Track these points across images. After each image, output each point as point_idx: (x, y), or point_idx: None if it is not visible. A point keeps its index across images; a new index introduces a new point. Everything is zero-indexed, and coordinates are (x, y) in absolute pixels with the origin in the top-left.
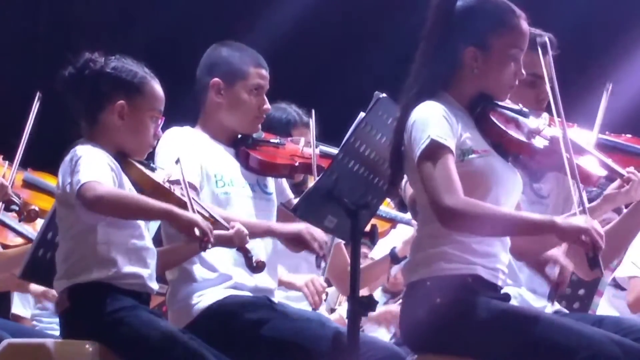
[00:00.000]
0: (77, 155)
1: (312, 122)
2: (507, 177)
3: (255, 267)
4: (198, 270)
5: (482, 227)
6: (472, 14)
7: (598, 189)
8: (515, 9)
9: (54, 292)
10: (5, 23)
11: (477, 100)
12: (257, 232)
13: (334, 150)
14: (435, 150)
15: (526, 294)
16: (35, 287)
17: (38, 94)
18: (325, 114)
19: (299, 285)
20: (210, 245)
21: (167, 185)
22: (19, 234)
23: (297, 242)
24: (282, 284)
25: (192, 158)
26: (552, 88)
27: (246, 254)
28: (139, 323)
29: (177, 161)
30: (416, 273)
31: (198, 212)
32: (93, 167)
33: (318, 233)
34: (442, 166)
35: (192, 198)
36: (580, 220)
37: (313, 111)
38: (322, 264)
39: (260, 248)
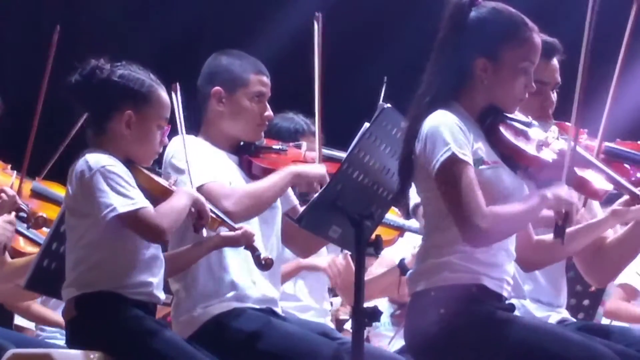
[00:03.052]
0: (91, 166)
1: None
2: (514, 189)
3: (264, 264)
4: (203, 281)
5: (505, 235)
6: (484, 25)
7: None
8: (528, 21)
9: None
10: (10, 30)
11: (487, 112)
12: (285, 183)
13: (338, 154)
14: (455, 163)
15: (529, 304)
16: None
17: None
18: (331, 121)
19: (322, 267)
20: (204, 230)
21: (174, 188)
22: (32, 241)
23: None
24: (305, 267)
25: (205, 161)
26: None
27: (254, 252)
28: (145, 333)
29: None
30: (421, 283)
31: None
32: (124, 188)
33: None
34: (467, 182)
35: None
36: (564, 192)
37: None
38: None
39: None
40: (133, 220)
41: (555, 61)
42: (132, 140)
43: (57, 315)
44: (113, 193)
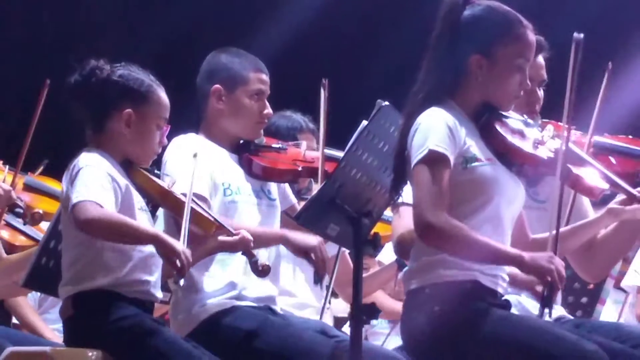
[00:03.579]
0: (78, 165)
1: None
2: (509, 186)
3: (261, 270)
4: (201, 279)
5: (456, 250)
6: (479, 23)
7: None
8: (523, 19)
9: None
10: (8, 29)
11: (482, 110)
12: (271, 239)
13: (337, 153)
14: (432, 161)
15: (526, 301)
16: None
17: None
18: (330, 121)
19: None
20: (182, 281)
21: (172, 190)
22: (27, 235)
23: (303, 254)
24: None
25: (201, 168)
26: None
27: (251, 258)
28: (142, 331)
29: (195, 155)
30: (415, 280)
31: (204, 217)
32: (90, 183)
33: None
34: (435, 178)
35: (199, 205)
36: (544, 260)
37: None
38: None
39: (263, 254)
40: (74, 208)
41: (540, 58)
42: (131, 140)
43: (49, 332)
44: (79, 187)
